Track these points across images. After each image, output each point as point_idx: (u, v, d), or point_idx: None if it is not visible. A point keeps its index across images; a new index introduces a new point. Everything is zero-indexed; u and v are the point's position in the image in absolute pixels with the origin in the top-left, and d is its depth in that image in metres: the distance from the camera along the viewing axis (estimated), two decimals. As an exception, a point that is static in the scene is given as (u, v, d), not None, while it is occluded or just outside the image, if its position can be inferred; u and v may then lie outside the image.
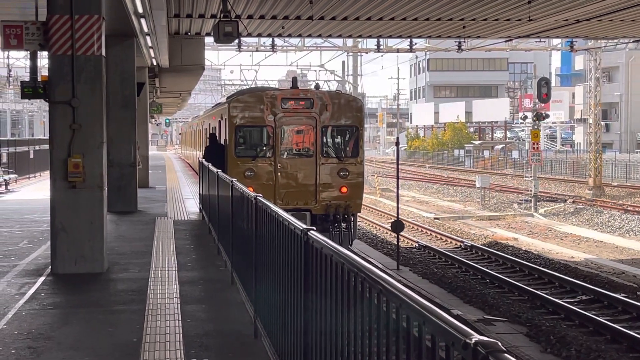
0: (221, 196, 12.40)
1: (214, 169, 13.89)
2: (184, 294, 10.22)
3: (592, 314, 16.37)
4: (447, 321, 2.76)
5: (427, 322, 2.95)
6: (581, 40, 37.47)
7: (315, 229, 5.25)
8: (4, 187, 28.14)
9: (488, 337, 2.53)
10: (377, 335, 3.74)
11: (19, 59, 50.54)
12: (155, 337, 8.12)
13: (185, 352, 7.60)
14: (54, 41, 11.60)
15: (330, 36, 30.33)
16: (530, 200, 41.02)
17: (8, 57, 45.83)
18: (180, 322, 8.75)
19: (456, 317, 2.70)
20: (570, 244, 30.03)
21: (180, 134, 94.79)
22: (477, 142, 77.83)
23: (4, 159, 31.30)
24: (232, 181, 10.26)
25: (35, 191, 27.61)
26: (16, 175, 31.36)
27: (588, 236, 31.73)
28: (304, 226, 5.39)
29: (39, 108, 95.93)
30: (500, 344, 2.44)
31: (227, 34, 16.05)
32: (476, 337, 2.50)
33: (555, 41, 43.58)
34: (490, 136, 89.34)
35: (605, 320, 15.84)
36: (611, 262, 25.62)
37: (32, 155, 36.11)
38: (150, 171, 31.16)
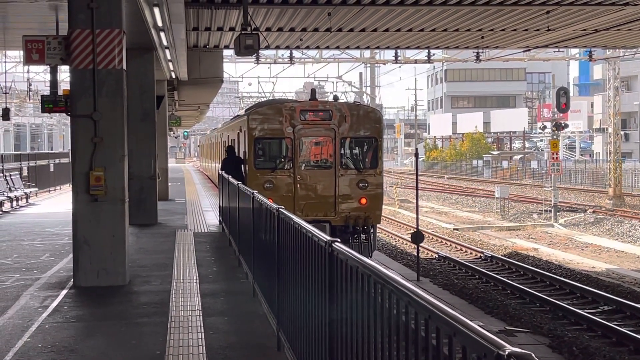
0: (241, 208, 12.42)
1: (234, 181, 13.92)
2: (206, 306, 10.23)
3: (615, 325, 16.25)
4: (479, 333, 2.74)
5: (458, 333, 2.94)
6: (600, 49, 37.35)
7: (339, 240, 5.24)
8: (25, 200, 28.30)
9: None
10: (406, 347, 3.73)
11: (38, 73, 50.91)
12: (178, 349, 8.13)
13: (209, 365, 7.60)
14: (75, 55, 11.67)
15: (348, 48, 30.39)
16: (550, 211, 40.83)
17: (28, 72, 46.12)
18: (203, 334, 8.75)
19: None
20: (591, 254, 29.84)
21: (198, 146, 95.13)
22: (495, 153, 77.60)
23: (25, 173, 31.47)
24: (253, 193, 10.28)
25: (56, 204, 27.74)
26: (37, 189, 31.51)
27: (609, 246, 31.53)
28: (329, 238, 5.38)
29: (58, 122, 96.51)
30: (533, 355, 2.42)
31: (248, 47, 16.09)
32: (509, 348, 2.49)
33: (574, 51, 43.52)
34: (509, 146, 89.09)
35: (627, 330, 15.72)
36: (633, 272, 25.43)
37: (52, 169, 36.29)
38: (169, 184, 31.27)
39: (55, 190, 35.87)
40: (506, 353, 2.47)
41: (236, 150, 22.56)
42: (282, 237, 7.62)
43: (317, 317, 5.74)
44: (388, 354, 4.03)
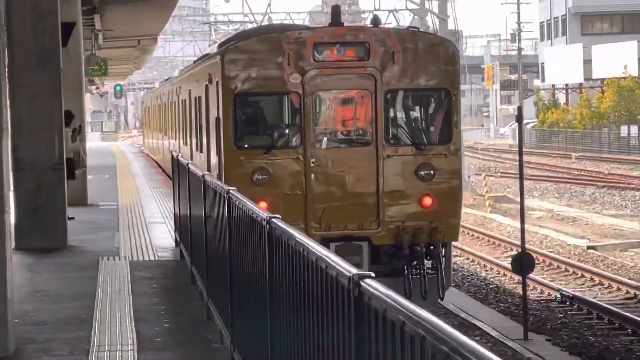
0: (210, 218, 12.38)
1: (198, 171, 13.87)
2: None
3: None
4: None
5: None
6: None
7: (373, 274, 5.16)
8: None
9: None
10: None
11: None
12: None
13: None
14: None
15: None
16: None
17: None
18: None
19: None
20: None
21: (143, 109, 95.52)
22: (660, 112, 77.41)
23: None
24: (228, 192, 10.20)
25: None
26: None
27: None
28: (354, 270, 5.31)
29: None
30: None
31: None
32: None
33: None
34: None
35: None
36: None
37: None
38: (89, 176, 31.33)
39: None
40: None
41: (203, 115, 22.57)
42: (278, 269, 7.57)
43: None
44: None
